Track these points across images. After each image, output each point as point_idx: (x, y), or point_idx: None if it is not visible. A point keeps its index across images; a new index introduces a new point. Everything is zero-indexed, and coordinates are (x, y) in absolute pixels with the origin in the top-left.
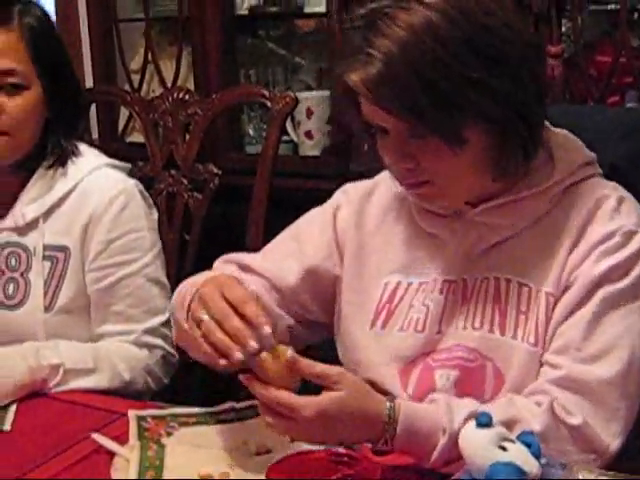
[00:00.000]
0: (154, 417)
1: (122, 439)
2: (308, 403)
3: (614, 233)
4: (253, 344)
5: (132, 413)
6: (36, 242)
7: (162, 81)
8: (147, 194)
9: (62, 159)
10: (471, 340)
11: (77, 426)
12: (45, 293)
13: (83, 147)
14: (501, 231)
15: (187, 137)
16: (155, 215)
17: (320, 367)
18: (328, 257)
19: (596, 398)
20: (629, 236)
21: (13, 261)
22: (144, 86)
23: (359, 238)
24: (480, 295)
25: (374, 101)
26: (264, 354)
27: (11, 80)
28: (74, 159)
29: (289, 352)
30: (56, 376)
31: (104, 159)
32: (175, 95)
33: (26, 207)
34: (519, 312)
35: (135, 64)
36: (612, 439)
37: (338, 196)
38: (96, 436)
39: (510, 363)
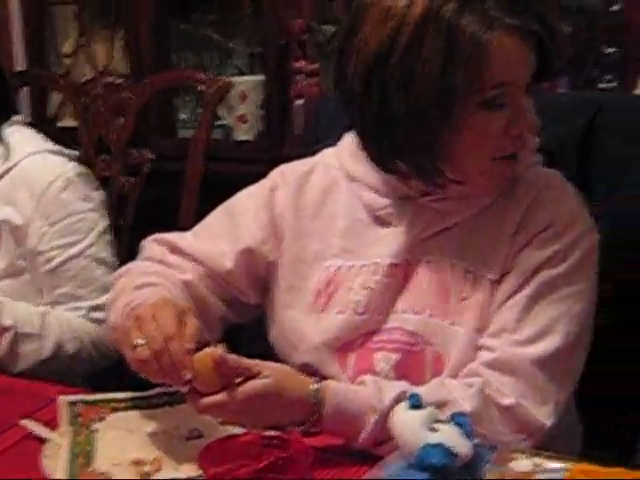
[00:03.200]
0: (85, 402)
1: (53, 425)
2: (234, 394)
3: (554, 221)
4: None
5: (63, 399)
6: None
7: (94, 65)
8: (90, 177)
9: None
10: (412, 324)
11: (6, 412)
12: None
13: (28, 132)
14: (450, 217)
15: (119, 121)
16: (99, 196)
17: (246, 361)
18: (264, 241)
19: (528, 379)
20: (569, 224)
21: None
22: (76, 70)
23: (298, 221)
24: (423, 279)
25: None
26: (195, 358)
27: None
28: (13, 143)
29: (218, 352)
30: (2, 338)
31: (47, 145)
32: (107, 79)
33: None
34: (462, 298)
35: (68, 47)
36: (545, 419)
37: (274, 177)
38: (26, 422)
39: (450, 348)
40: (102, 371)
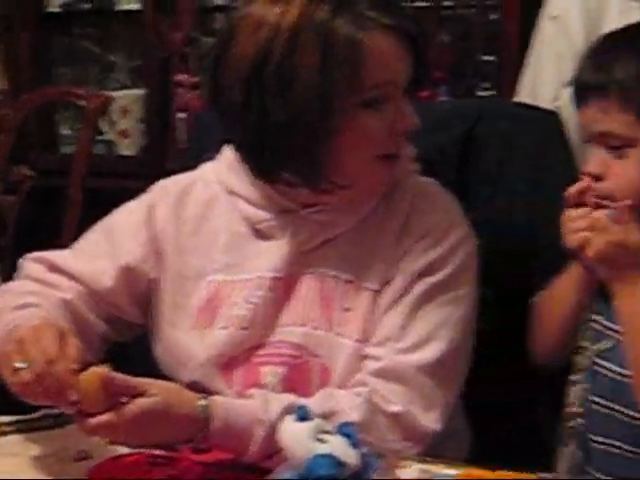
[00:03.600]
0: None
1: None
2: (122, 413)
3: (433, 229)
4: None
5: None
6: None
7: None
8: None
9: None
10: (297, 337)
11: None
12: None
13: None
14: (331, 229)
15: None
16: None
17: (133, 379)
18: (144, 259)
19: (414, 386)
20: (447, 231)
21: None
22: None
23: (179, 237)
24: (306, 292)
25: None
26: (81, 378)
27: None
28: None
29: (105, 370)
30: None
31: None
32: None
33: None
34: (344, 309)
35: None
36: (433, 424)
37: (154, 193)
38: None
39: (336, 359)
40: None
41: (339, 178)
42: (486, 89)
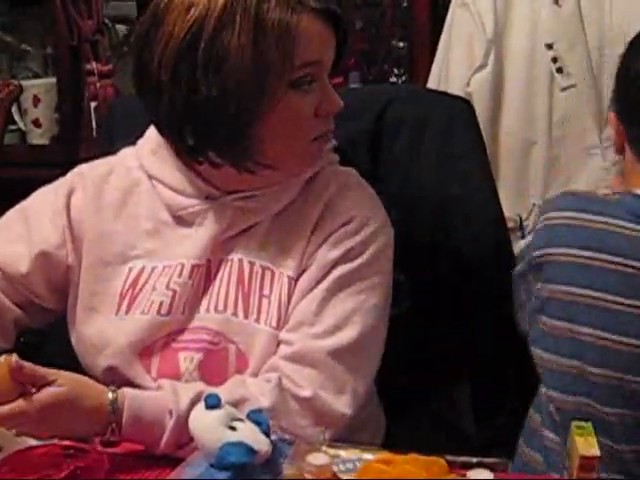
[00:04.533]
0: None
1: None
2: (29, 402)
3: (351, 219)
4: None
5: None
6: None
7: None
8: None
9: None
10: (215, 323)
11: None
12: None
13: None
14: (252, 217)
15: None
16: None
17: (41, 369)
18: (60, 246)
19: (325, 370)
20: (364, 222)
21: None
22: None
23: (98, 224)
24: (224, 278)
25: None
26: None
27: None
28: None
29: (14, 360)
30: None
31: None
32: None
33: None
34: (262, 295)
35: None
36: (344, 408)
37: (71, 178)
38: None
39: (253, 346)
40: None
41: (266, 158)
42: (398, 75)
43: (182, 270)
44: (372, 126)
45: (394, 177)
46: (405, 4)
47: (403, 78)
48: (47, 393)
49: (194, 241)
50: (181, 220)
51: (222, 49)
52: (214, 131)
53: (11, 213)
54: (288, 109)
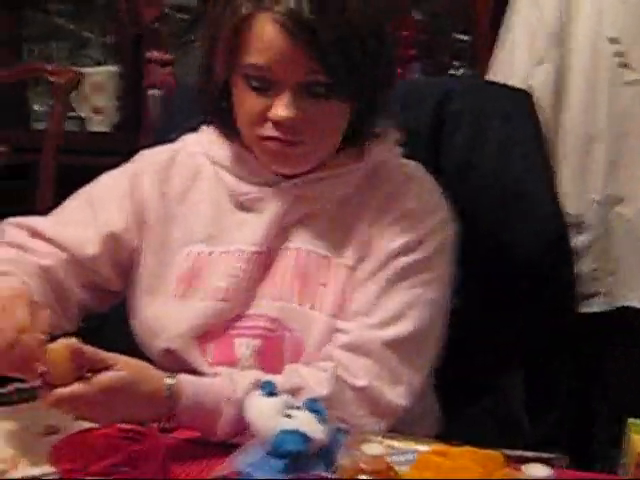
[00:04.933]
0: None
1: None
2: (88, 386)
3: (413, 211)
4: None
5: None
6: None
7: None
8: None
9: None
10: (272, 310)
11: None
12: None
13: None
14: (311, 204)
15: None
16: None
17: (102, 353)
18: (128, 227)
19: (381, 361)
20: (426, 214)
21: None
22: None
23: (163, 207)
24: (282, 266)
25: (300, 38)
26: (50, 348)
27: None
28: None
29: (74, 342)
30: None
31: None
32: None
33: None
34: (319, 284)
35: None
36: (399, 399)
37: (138, 162)
38: None
39: (309, 333)
40: None
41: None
42: (459, 68)
43: (241, 256)
44: (432, 118)
45: (454, 170)
46: None
47: (463, 70)
48: (106, 377)
49: (253, 227)
50: (241, 206)
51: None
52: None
53: (77, 197)
54: (239, 96)
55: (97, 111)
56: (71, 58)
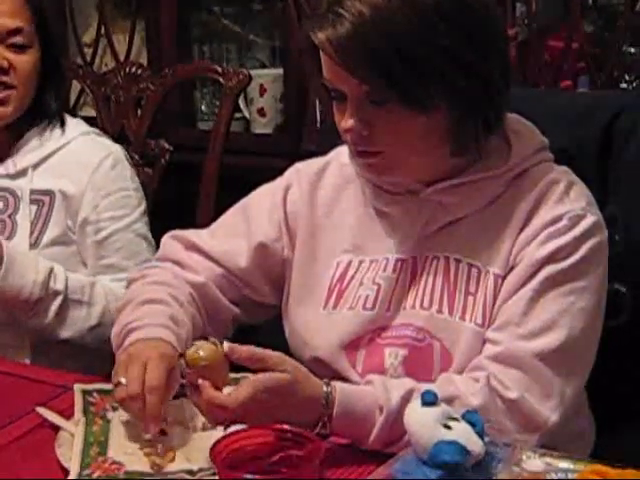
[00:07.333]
0: (100, 391)
1: (67, 413)
2: (251, 385)
3: (562, 216)
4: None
5: (78, 387)
6: (24, 188)
7: (115, 55)
8: (129, 160)
9: (53, 122)
10: (420, 319)
11: (22, 399)
12: (31, 232)
13: (70, 118)
14: (454, 211)
15: (139, 112)
16: (137, 179)
17: (260, 351)
18: (277, 239)
19: (532, 373)
20: (576, 220)
21: (1, 205)
22: (97, 60)
23: (312, 219)
24: (430, 275)
25: (340, 60)
26: (205, 347)
27: (19, 39)
28: (63, 124)
29: (225, 344)
30: (52, 302)
31: (92, 128)
32: (127, 69)
33: (18, 158)
34: (467, 293)
35: (88, 37)
36: (550, 413)
37: (289, 175)
38: (41, 410)
39: (458, 343)
40: None
41: None
42: (629, 82)
43: (387, 265)
44: (601, 135)
45: (623, 189)
46: (638, 8)
47: (634, 85)
48: (271, 377)
49: (397, 236)
50: (384, 215)
51: None
52: None
53: (233, 210)
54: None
55: (261, 113)
56: (238, 60)
